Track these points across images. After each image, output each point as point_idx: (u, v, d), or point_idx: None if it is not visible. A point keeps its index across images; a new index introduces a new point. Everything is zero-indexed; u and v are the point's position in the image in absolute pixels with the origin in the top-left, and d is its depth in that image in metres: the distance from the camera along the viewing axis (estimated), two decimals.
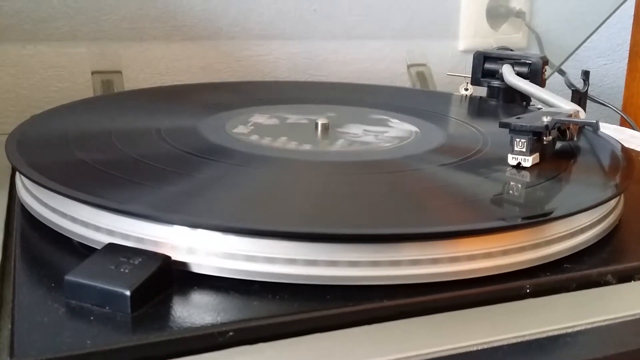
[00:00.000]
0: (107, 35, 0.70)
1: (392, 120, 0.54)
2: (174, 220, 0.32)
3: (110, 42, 0.70)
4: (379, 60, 0.82)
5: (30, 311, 0.29)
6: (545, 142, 0.44)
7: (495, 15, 0.86)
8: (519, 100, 0.62)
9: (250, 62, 0.76)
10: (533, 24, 0.88)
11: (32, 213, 0.38)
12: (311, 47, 0.79)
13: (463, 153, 0.46)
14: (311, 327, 0.29)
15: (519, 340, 0.30)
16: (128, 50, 0.71)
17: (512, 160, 0.43)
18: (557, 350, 0.30)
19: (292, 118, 0.54)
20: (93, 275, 0.30)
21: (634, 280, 0.35)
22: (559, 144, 0.47)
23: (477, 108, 0.63)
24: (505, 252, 0.34)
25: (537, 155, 0.43)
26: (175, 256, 0.32)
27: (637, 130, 0.64)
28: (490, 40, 0.84)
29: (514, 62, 0.62)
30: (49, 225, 0.37)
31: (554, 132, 0.45)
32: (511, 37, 0.87)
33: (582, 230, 0.37)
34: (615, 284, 0.35)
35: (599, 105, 0.78)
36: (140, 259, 0.31)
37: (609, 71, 0.98)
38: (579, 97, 0.64)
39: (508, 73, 0.61)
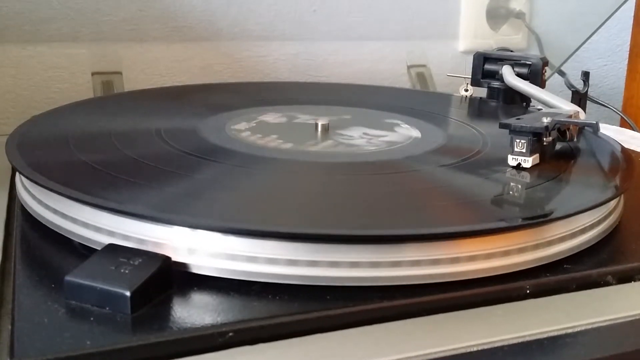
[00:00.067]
0: (108, 36, 0.70)
1: (402, 125, 0.53)
2: (174, 221, 0.33)
3: (110, 43, 0.70)
4: (379, 61, 0.82)
5: (30, 311, 0.29)
6: (545, 143, 0.44)
7: (495, 16, 0.86)
8: (519, 101, 0.62)
9: (250, 63, 0.76)
10: (533, 25, 0.88)
11: (32, 214, 0.38)
12: (311, 48, 0.79)
13: (463, 154, 0.46)
14: (311, 328, 0.29)
15: (519, 340, 0.30)
16: (128, 51, 0.71)
17: (512, 161, 0.43)
18: (557, 350, 0.30)
19: (292, 119, 0.54)
20: (93, 276, 0.30)
21: (634, 281, 0.35)
22: (559, 145, 0.47)
23: (477, 109, 0.63)
24: (505, 253, 0.34)
25: (537, 156, 0.43)
26: (176, 257, 0.32)
27: (637, 131, 0.64)
28: (490, 41, 0.84)
29: (514, 63, 0.62)
30: (49, 226, 0.37)
31: (554, 133, 0.45)
32: (511, 38, 0.87)
33: (582, 231, 0.37)
34: (615, 284, 0.35)
35: (599, 106, 0.78)
36: (140, 260, 0.31)
37: (609, 72, 0.98)
38: (579, 98, 0.64)
39: (508, 74, 0.61)
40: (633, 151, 0.54)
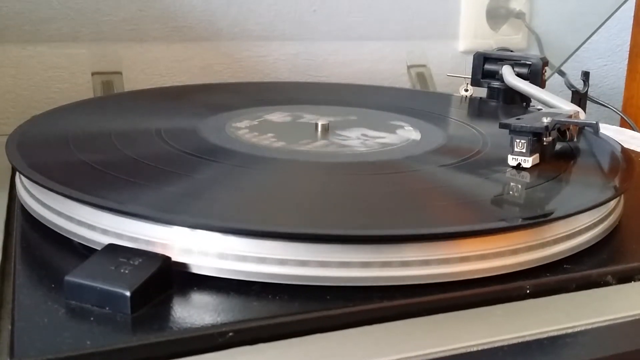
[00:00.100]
0: (107, 36, 0.70)
1: (406, 127, 0.52)
2: (174, 221, 0.33)
3: (110, 43, 0.70)
4: (379, 61, 0.82)
5: (31, 311, 0.29)
6: (545, 143, 0.44)
7: (495, 16, 0.86)
8: (519, 101, 0.62)
9: (250, 63, 0.76)
10: (533, 25, 0.88)
11: (32, 213, 0.38)
12: (311, 48, 0.79)
13: (463, 154, 0.46)
14: (311, 328, 0.29)
15: (519, 340, 0.30)
16: (128, 51, 0.71)
17: (512, 161, 0.43)
18: (557, 350, 0.30)
19: (298, 118, 0.54)
20: (93, 276, 0.30)
21: (634, 281, 0.35)
22: (559, 145, 0.47)
23: (477, 109, 0.63)
24: (505, 253, 0.34)
25: (537, 156, 0.43)
26: (175, 257, 0.32)
27: (637, 131, 0.64)
28: (490, 41, 0.84)
29: (514, 63, 0.62)
30: (49, 226, 0.37)
31: (554, 133, 0.45)
32: (511, 38, 0.87)
33: (582, 231, 0.37)
34: (615, 284, 0.35)
35: (599, 106, 0.78)
36: (140, 260, 0.31)
37: (609, 72, 0.98)
38: (579, 98, 0.64)
39: (508, 74, 0.61)
40: (633, 151, 0.54)
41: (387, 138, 0.49)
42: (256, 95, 0.63)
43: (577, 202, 0.37)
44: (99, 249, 0.32)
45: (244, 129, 0.49)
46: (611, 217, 0.40)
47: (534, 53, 0.83)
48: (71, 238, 0.35)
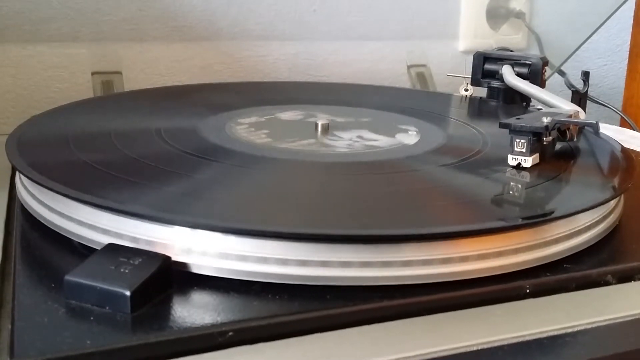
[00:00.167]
0: (107, 36, 0.70)
1: (410, 132, 0.51)
2: (174, 221, 0.33)
3: (110, 42, 0.70)
4: (379, 61, 0.82)
5: (30, 311, 0.29)
6: (545, 143, 0.44)
7: (495, 16, 0.86)
8: (519, 100, 0.62)
9: (250, 63, 0.76)
10: (533, 24, 0.88)
11: (32, 213, 0.38)
12: (311, 47, 0.79)
13: (463, 154, 0.46)
14: (311, 327, 0.29)
15: (519, 340, 0.30)
16: (128, 51, 0.71)
17: (512, 160, 0.43)
18: (557, 350, 0.30)
19: (308, 117, 0.54)
20: (93, 276, 0.30)
21: (634, 281, 0.35)
22: (559, 145, 0.47)
23: (477, 109, 0.63)
24: (505, 253, 0.34)
25: (537, 155, 0.43)
26: (175, 256, 0.32)
27: (637, 131, 0.64)
28: (490, 40, 0.84)
29: (514, 62, 0.62)
30: (49, 226, 0.37)
31: (554, 133, 0.45)
32: (511, 37, 0.87)
33: (582, 231, 0.37)
34: (615, 284, 0.35)
35: (599, 105, 0.78)
36: (140, 259, 0.31)
37: (609, 72, 0.98)
38: (579, 98, 0.64)
39: (508, 74, 0.61)
40: (633, 151, 0.54)
41: (380, 141, 0.48)
42: (256, 95, 0.63)
43: (577, 201, 0.37)
44: (98, 248, 0.32)
45: (244, 125, 0.50)
46: (611, 217, 0.40)
47: (534, 53, 0.83)
48: (71, 238, 0.35)
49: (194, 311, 0.29)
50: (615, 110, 0.78)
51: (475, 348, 0.29)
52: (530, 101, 0.62)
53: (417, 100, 0.65)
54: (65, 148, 0.43)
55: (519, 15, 0.86)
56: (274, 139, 0.48)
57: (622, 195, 0.42)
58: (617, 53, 0.97)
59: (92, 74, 0.67)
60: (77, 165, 0.40)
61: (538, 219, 0.36)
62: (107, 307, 0.29)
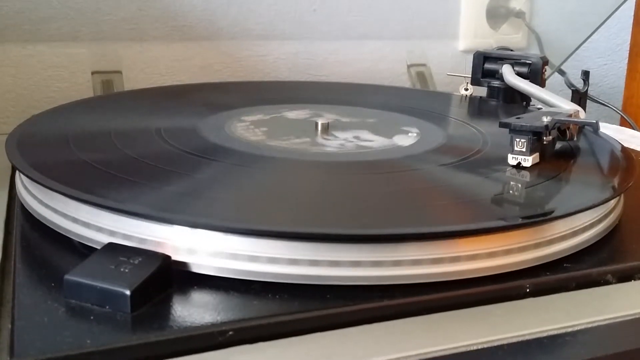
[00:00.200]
0: (107, 36, 0.70)
1: (410, 134, 0.50)
2: (174, 220, 0.33)
3: (110, 42, 0.70)
4: (379, 61, 0.82)
5: (30, 311, 0.29)
6: (545, 142, 0.44)
7: (495, 16, 0.86)
8: (519, 100, 0.62)
9: (250, 63, 0.76)
10: (533, 24, 0.88)
11: (32, 213, 0.38)
12: (311, 47, 0.79)
13: (463, 153, 0.46)
14: (311, 327, 0.29)
15: (519, 339, 0.30)
16: (128, 50, 0.71)
17: (512, 160, 0.43)
18: (557, 349, 0.30)
19: (314, 116, 0.54)
20: (93, 275, 0.30)
21: (634, 280, 0.35)
22: (559, 144, 0.47)
23: (477, 108, 0.63)
24: (505, 252, 0.34)
25: (537, 155, 0.43)
26: (175, 256, 0.32)
27: (637, 130, 0.64)
28: (490, 40, 0.84)
29: (514, 62, 0.62)
30: (49, 225, 0.37)
31: (554, 132, 0.45)
32: (511, 37, 0.87)
33: (582, 230, 0.37)
34: (615, 283, 0.35)
35: (599, 105, 0.78)
36: (140, 259, 0.31)
37: (609, 71, 0.98)
38: (579, 97, 0.64)
39: (508, 73, 0.61)
40: (633, 150, 0.54)
41: (375, 142, 0.48)
42: (256, 95, 0.63)
43: (577, 201, 0.37)
44: (98, 248, 0.32)
45: (244, 122, 0.50)
46: (611, 216, 0.40)
47: (534, 52, 0.83)
48: (71, 237, 0.35)
49: (194, 310, 0.29)
50: (615, 109, 0.78)
51: (475, 348, 0.29)
52: (530, 100, 0.62)
53: (417, 100, 0.65)
54: (65, 147, 0.43)
55: (519, 14, 0.86)
56: (268, 136, 0.48)
57: (622, 195, 0.42)
58: (617, 52, 0.97)
59: (92, 73, 0.67)
60: (77, 164, 0.40)
61: (538, 218, 0.36)
62: (107, 307, 0.29)
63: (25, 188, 0.40)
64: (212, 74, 0.75)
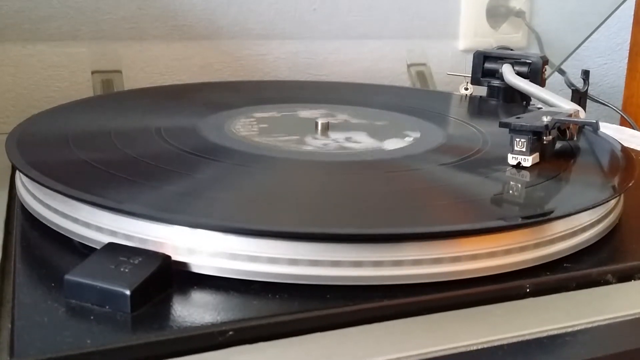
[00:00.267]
0: (107, 35, 0.70)
1: (407, 138, 0.49)
2: (174, 220, 0.32)
3: (110, 41, 0.70)
4: (379, 60, 0.82)
5: (30, 311, 0.29)
6: (545, 142, 0.44)
7: (495, 15, 0.86)
8: (519, 99, 0.62)
9: (251, 62, 0.76)
10: (533, 23, 0.88)
11: (32, 212, 0.38)
12: (311, 46, 0.79)
13: (463, 153, 0.46)
14: (311, 327, 0.29)
15: (519, 339, 0.30)
16: (128, 49, 0.71)
17: (512, 160, 0.43)
18: (557, 349, 0.30)
19: (328, 116, 0.54)
20: (93, 275, 0.30)
21: (634, 280, 0.35)
22: (559, 144, 0.47)
23: (477, 108, 0.63)
24: (505, 252, 0.34)
25: (537, 155, 0.43)
26: (175, 256, 0.32)
27: (637, 130, 0.64)
28: (490, 39, 0.84)
29: (514, 61, 0.62)
30: (49, 225, 0.37)
31: (554, 132, 0.45)
32: (511, 36, 0.87)
33: (582, 230, 0.37)
34: (615, 283, 0.35)
35: (599, 104, 0.78)
36: (140, 259, 0.31)
37: (609, 71, 0.98)
38: (579, 97, 0.64)
39: (508, 72, 0.61)
40: (633, 150, 0.54)
41: (362, 144, 0.47)
42: (256, 94, 0.63)
43: (577, 201, 0.37)
44: (98, 247, 0.32)
45: (244, 120, 0.50)
46: (611, 216, 0.40)
47: (534, 52, 0.83)
48: (71, 237, 0.35)
49: (194, 310, 0.29)
50: (615, 109, 0.78)
51: (475, 348, 0.29)
52: (530, 100, 0.62)
53: (417, 99, 0.65)
54: (65, 147, 0.43)
55: (519, 14, 0.86)
56: (260, 132, 0.48)
57: (622, 195, 0.42)
58: (617, 52, 0.97)
59: (92, 72, 0.67)
60: (77, 164, 0.40)
61: (538, 218, 0.36)
62: (107, 307, 0.29)
63: (25, 188, 0.40)
64: (212, 73, 0.75)
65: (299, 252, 0.32)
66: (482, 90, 0.65)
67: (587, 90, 0.64)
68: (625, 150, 0.48)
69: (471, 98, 0.65)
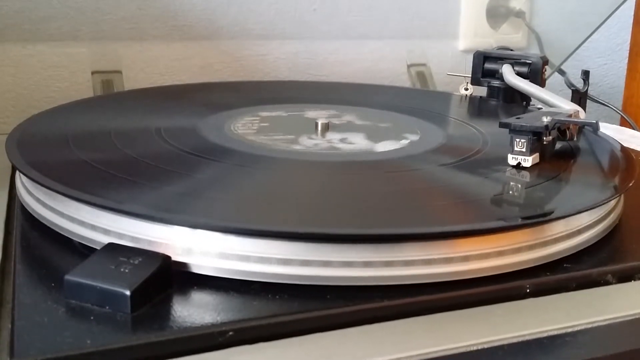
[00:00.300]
0: (107, 35, 0.70)
1: (403, 141, 0.49)
2: (174, 221, 0.33)
3: (110, 41, 0.70)
4: (379, 60, 0.82)
5: (30, 311, 0.29)
6: (545, 142, 0.44)
7: (495, 15, 0.86)
8: (519, 100, 0.62)
9: (250, 62, 0.76)
10: (533, 23, 0.88)
11: (32, 213, 0.38)
12: (311, 47, 0.79)
13: (463, 153, 0.46)
14: (311, 327, 0.29)
15: (519, 340, 0.30)
16: (128, 50, 0.71)
17: (512, 160, 0.43)
18: (557, 349, 0.30)
19: (335, 117, 0.54)
20: (93, 275, 0.30)
21: (634, 280, 0.36)
22: (559, 144, 0.47)
23: (477, 108, 0.63)
24: (505, 252, 0.34)
25: (537, 155, 0.43)
26: (175, 256, 0.32)
27: (637, 130, 0.64)
28: (490, 40, 0.84)
29: (514, 62, 0.62)
30: (49, 225, 0.37)
31: (554, 132, 0.45)
32: (511, 37, 0.87)
33: (582, 230, 0.37)
34: (615, 283, 0.35)
35: (599, 105, 0.77)
36: (140, 259, 0.31)
37: (609, 71, 0.98)
38: (579, 97, 0.64)
39: (508, 73, 0.61)
40: (633, 150, 0.54)
41: (356, 146, 0.47)
42: (256, 94, 0.63)
43: (577, 201, 0.37)
44: (98, 248, 0.32)
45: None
46: (611, 216, 0.40)
47: (534, 52, 0.83)
48: (71, 237, 0.35)
49: (194, 311, 0.29)
50: (615, 109, 0.78)
51: (475, 348, 0.29)
52: (530, 100, 0.62)
53: (417, 100, 0.65)
54: (65, 147, 0.43)
55: (519, 14, 0.86)
56: (258, 131, 0.48)
57: (622, 195, 0.42)
58: (617, 52, 0.97)
59: (92, 73, 0.67)
60: (77, 164, 0.40)
61: (538, 218, 0.36)
62: (107, 307, 0.29)
63: (25, 188, 0.40)
64: (212, 73, 0.75)
65: (298, 252, 0.32)
66: (482, 91, 0.65)
67: (587, 90, 0.64)
68: (625, 150, 0.48)
69: (471, 98, 0.65)
